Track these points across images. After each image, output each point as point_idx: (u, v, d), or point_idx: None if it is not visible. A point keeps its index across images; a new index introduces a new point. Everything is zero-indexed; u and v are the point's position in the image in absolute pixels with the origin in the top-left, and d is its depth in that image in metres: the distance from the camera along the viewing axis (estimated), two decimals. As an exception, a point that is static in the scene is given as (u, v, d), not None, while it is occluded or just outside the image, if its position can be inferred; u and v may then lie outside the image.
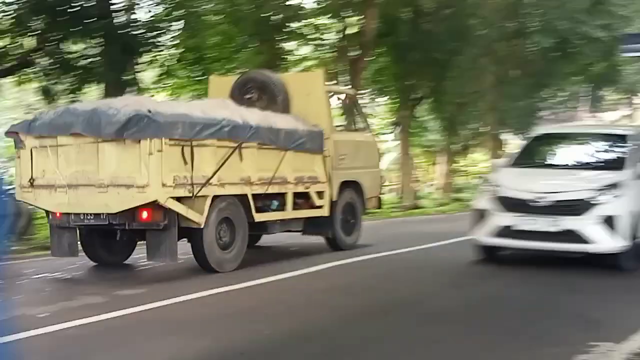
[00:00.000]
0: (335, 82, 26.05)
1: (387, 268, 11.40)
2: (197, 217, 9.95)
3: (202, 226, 10.04)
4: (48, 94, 17.15)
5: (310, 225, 12.86)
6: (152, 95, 23.83)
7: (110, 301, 8.37)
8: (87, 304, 8.24)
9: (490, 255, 11.24)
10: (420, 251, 13.40)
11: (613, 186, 10.15)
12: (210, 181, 10.13)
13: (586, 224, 9.90)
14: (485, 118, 36.32)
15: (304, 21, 25.17)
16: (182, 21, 20.30)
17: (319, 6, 26.43)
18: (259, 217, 11.31)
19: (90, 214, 9.97)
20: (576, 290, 8.99)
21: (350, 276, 10.55)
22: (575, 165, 11.87)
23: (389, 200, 31.08)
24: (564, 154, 12.72)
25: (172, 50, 21.05)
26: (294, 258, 12.33)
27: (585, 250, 10.18)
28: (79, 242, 11.12)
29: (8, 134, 11.09)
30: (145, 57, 19.46)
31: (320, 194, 12.65)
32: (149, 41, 18.50)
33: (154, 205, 9.53)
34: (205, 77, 22.41)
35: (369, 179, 14.14)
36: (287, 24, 23.60)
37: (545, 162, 12.29)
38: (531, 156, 12.20)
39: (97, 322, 7.28)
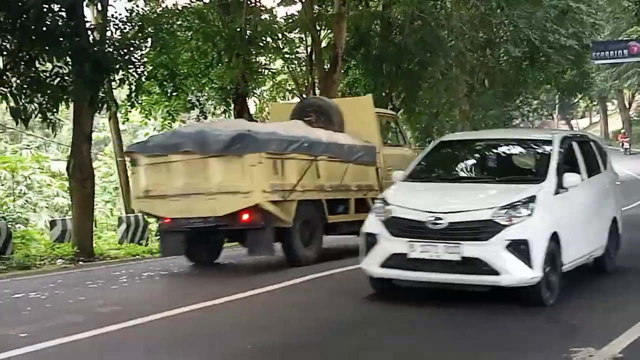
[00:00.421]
0: (307, 96, 26.17)
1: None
2: (287, 218, 11.85)
3: (290, 226, 11.93)
4: (17, 115, 17.00)
5: None
6: (126, 113, 23.81)
7: (60, 325, 8.33)
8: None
9: (386, 287, 9.21)
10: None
11: (527, 203, 8.36)
12: (296, 188, 11.99)
13: (493, 251, 8.06)
14: (458, 127, 36.58)
15: (277, 35, 25.19)
16: (153, 38, 20.25)
17: (290, 20, 26.50)
18: (331, 219, 13.29)
19: (199, 218, 11.72)
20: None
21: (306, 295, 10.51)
22: (485, 178, 10.01)
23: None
24: (473, 164, 10.65)
25: (143, 68, 20.98)
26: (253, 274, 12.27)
27: (493, 283, 8.24)
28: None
29: (126, 153, 13.62)
30: (118, 75, 19.39)
31: (374, 200, 12.89)
32: (121, 59, 18.44)
33: (254, 209, 11.40)
34: (177, 93, 22.51)
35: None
36: (259, 38, 23.62)
37: (450, 175, 10.20)
38: (434, 168, 10.41)
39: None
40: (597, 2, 40.65)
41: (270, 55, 26.10)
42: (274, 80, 27.79)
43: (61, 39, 16.93)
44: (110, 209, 35.07)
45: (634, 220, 16.90)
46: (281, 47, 25.81)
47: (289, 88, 28.46)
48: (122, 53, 18.44)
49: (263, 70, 25.84)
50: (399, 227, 8.54)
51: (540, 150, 9.88)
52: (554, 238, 8.40)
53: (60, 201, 32.86)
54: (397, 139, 17.40)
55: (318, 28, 26.85)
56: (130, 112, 23.64)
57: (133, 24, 19.60)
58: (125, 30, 19.34)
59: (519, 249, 8.01)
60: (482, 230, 8.17)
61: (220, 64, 22.75)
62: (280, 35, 25.47)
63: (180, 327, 8.05)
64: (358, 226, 12.78)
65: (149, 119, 24.83)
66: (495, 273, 8.03)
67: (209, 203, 11.51)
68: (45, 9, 16.75)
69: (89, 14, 19.89)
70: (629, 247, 11.94)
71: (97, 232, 21.85)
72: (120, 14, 19.40)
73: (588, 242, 9.75)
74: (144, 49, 20.37)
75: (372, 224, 8.96)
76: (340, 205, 13.76)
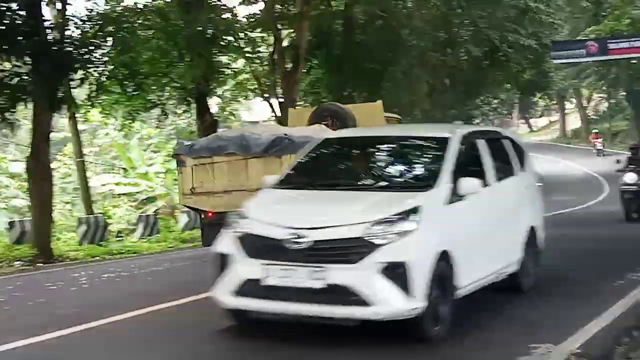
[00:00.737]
0: (269, 95, 26.18)
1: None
2: None
3: None
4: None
5: None
6: (86, 113, 23.58)
7: (20, 327, 8.24)
8: None
9: (244, 320, 7.32)
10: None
11: (409, 215, 6.74)
12: None
13: (363, 276, 6.46)
14: (420, 127, 36.77)
15: (239, 34, 25.13)
16: (113, 37, 20.10)
17: (252, 19, 26.48)
18: None
19: None
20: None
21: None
22: (367, 184, 8.05)
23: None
24: (356, 168, 8.72)
25: (104, 67, 20.81)
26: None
27: (363, 317, 6.56)
28: None
29: (174, 155, 14.82)
30: (78, 74, 19.21)
31: None
32: (82, 58, 18.29)
33: None
34: (138, 92, 22.31)
35: None
36: (221, 38, 23.56)
37: (327, 181, 8.23)
38: (311, 171, 8.54)
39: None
40: (556, 2, 41.05)
41: (232, 55, 26.03)
42: (235, 79, 27.71)
43: (20, 38, 16.77)
44: (70, 209, 34.72)
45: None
46: (243, 46, 25.78)
47: (251, 87, 28.40)
48: (82, 52, 18.33)
49: (225, 69, 25.74)
50: (255, 246, 6.89)
51: (434, 151, 8.15)
52: (444, 257, 6.86)
53: (19, 202, 32.47)
54: None
55: (280, 27, 26.88)
56: (90, 112, 23.39)
57: (93, 22, 19.47)
58: (85, 29, 19.21)
59: (396, 273, 6.45)
60: (352, 250, 6.57)
61: (181, 63, 22.63)
62: (242, 35, 25.44)
63: (141, 328, 8.00)
64: None
65: (109, 120, 24.56)
66: (366, 304, 6.44)
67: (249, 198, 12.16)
68: (3, 8, 16.56)
69: (48, 12, 19.61)
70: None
71: (57, 233, 21.64)
72: (80, 13, 19.31)
73: (495, 258, 8.19)
74: (104, 48, 20.23)
75: (226, 242, 7.24)
76: None
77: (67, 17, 18.94)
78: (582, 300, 8.52)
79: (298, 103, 28.95)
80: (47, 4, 19.20)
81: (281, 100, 26.25)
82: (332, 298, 6.51)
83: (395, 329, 6.69)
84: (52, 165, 20.51)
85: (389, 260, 6.44)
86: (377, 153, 8.78)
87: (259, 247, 6.84)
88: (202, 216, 14.26)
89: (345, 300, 6.48)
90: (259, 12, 26.73)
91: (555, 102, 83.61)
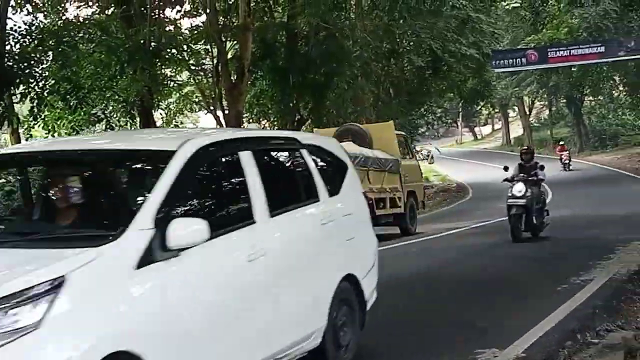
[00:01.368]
0: (214, 107, 26.09)
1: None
2: None
3: None
4: None
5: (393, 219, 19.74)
6: (28, 128, 23.16)
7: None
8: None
9: None
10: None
11: (41, 297, 3.73)
12: None
13: None
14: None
15: (182, 46, 25.00)
16: (54, 51, 19.87)
17: (195, 32, 26.38)
18: (377, 212, 17.47)
19: None
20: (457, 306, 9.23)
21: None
22: (19, 231, 4.97)
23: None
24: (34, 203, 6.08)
25: (45, 82, 20.52)
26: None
27: None
28: None
29: None
30: (20, 89, 18.95)
31: (399, 199, 19.84)
32: (22, 72, 18.06)
33: None
34: (81, 107, 21.96)
35: (419, 189, 22.42)
36: (164, 50, 23.41)
37: None
38: None
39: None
40: (496, 12, 41.71)
41: (175, 67, 25.89)
42: (180, 92, 27.55)
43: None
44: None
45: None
46: (187, 58, 25.65)
47: (196, 100, 28.26)
48: (23, 67, 18.09)
49: (169, 82, 25.58)
50: None
51: (143, 175, 5.39)
52: None
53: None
54: (407, 153, 22.45)
55: (224, 39, 26.81)
56: (33, 128, 22.93)
57: (33, 37, 19.22)
58: (25, 44, 18.95)
59: None
60: None
61: (124, 77, 22.43)
62: (185, 47, 25.31)
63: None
64: (391, 218, 19.66)
65: (53, 135, 23.96)
66: None
67: None
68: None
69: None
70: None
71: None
72: (19, 27, 19.02)
73: (261, 341, 5.26)
74: (45, 62, 19.98)
75: None
76: (380, 203, 18.69)
77: (7, 31, 18.68)
78: (526, 305, 8.66)
79: (244, 115, 28.96)
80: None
81: (226, 112, 26.19)
82: None
83: None
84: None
85: None
86: (48, 178, 5.50)
87: None
88: None
89: None
90: (201, 24, 26.65)
91: (498, 110, 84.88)
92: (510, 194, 15.61)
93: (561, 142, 52.71)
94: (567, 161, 48.09)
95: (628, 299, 9.12)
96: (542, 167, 16.27)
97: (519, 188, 15.48)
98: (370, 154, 18.42)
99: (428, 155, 34.34)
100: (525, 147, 19.44)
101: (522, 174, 16.04)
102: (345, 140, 17.47)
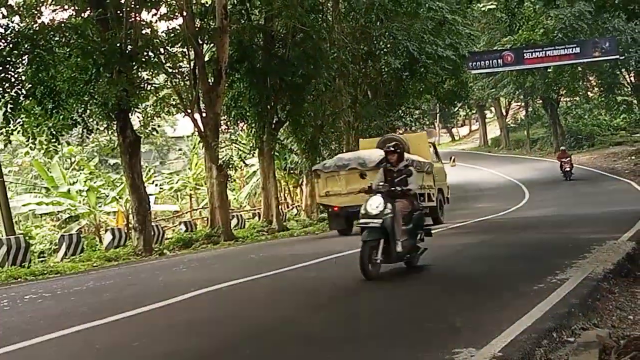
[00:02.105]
0: (192, 110, 26.01)
1: (250, 293, 11.27)
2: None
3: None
4: None
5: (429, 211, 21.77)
6: (6, 134, 22.87)
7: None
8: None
9: None
10: (284, 273, 13.38)
11: None
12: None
13: None
14: (343, 139, 37.05)
15: (159, 49, 24.90)
16: (30, 55, 19.73)
17: (172, 35, 26.30)
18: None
19: (356, 206, 14.05)
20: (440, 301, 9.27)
21: (214, 304, 10.47)
22: None
23: (255, 224, 31.14)
24: None
25: (20, 86, 20.34)
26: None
27: None
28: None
29: (313, 171, 23.88)
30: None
31: (433, 195, 23.46)
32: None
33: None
34: (57, 111, 21.80)
35: (445, 187, 26.27)
36: (141, 53, 23.32)
37: None
38: None
39: None
40: (473, 14, 41.95)
41: (152, 70, 25.79)
42: (157, 95, 27.44)
43: None
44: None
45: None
46: (163, 61, 25.57)
47: (173, 103, 28.17)
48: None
49: (146, 85, 25.47)
50: None
51: None
52: None
53: None
54: (436, 157, 26.01)
55: (200, 42, 26.79)
56: (11, 134, 22.53)
57: (8, 40, 19.07)
58: (0, 47, 18.82)
59: None
60: None
61: (100, 80, 22.31)
62: (162, 50, 25.24)
63: (64, 349, 7.88)
64: (427, 210, 20.65)
65: (34, 144, 23.48)
66: None
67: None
68: None
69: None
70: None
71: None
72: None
73: None
74: (21, 66, 19.83)
75: None
76: (421, 197, 20.64)
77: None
78: (502, 305, 8.71)
79: (222, 118, 28.91)
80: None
81: (204, 115, 26.14)
82: None
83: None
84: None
85: None
86: None
87: None
88: (329, 210, 22.76)
89: None
90: (178, 27, 26.60)
91: (475, 111, 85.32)
92: (363, 211, 11.20)
93: (562, 148, 46.67)
94: (568, 169, 42.25)
95: (603, 298, 9.23)
96: (409, 174, 11.84)
97: (375, 203, 11.09)
98: (415, 158, 21.14)
99: (451, 159, 35.14)
100: (392, 144, 13.07)
101: (384, 183, 11.75)
102: (388, 146, 19.26)
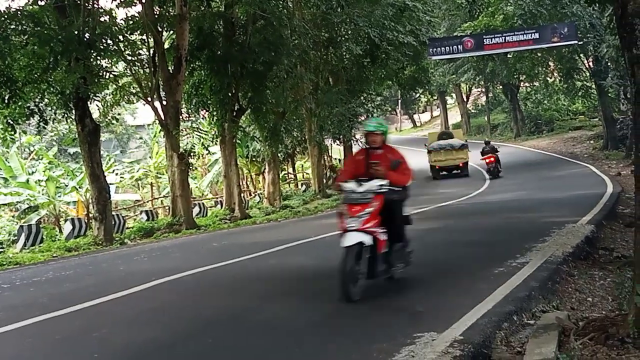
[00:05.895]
0: (152, 98, 25.78)
1: (211, 282, 11.23)
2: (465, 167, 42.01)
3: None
4: None
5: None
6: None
7: None
8: None
9: None
10: (246, 261, 13.35)
11: None
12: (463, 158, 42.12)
13: None
14: (305, 126, 37.07)
15: (117, 37, 24.61)
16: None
17: (131, 22, 26.03)
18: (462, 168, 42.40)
19: (450, 165, 41.78)
20: (405, 286, 9.29)
21: (175, 293, 10.43)
22: None
23: (217, 212, 31.01)
24: None
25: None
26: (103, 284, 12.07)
27: None
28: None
29: (429, 151, 42.50)
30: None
31: (467, 163, 41.65)
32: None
33: (464, 162, 41.52)
34: (14, 100, 21.41)
35: (469, 159, 42.12)
36: (99, 41, 23.02)
37: None
38: None
39: None
40: (433, 0, 42.08)
41: (111, 58, 25.50)
42: (116, 83, 27.15)
43: None
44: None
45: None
46: (122, 49, 25.31)
47: (133, 91, 27.90)
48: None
49: (104, 73, 25.18)
50: None
51: None
52: None
53: None
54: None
55: (160, 29, 26.54)
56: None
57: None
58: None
59: None
60: None
61: (58, 68, 22.00)
62: (121, 37, 24.98)
63: (23, 340, 7.80)
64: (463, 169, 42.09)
65: None
66: None
67: (454, 160, 41.42)
68: None
69: None
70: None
71: None
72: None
73: None
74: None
75: None
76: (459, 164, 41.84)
77: None
78: (463, 289, 8.77)
79: (183, 106, 28.69)
80: None
81: (164, 103, 25.93)
82: None
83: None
84: None
85: None
86: None
87: None
88: (432, 166, 41.95)
89: None
90: (137, 14, 26.31)
91: (436, 97, 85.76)
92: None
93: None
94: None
95: (563, 281, 9.35)
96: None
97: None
98: (463, 141, 42.25)
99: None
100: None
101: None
102: (443, 137, 43.17)
